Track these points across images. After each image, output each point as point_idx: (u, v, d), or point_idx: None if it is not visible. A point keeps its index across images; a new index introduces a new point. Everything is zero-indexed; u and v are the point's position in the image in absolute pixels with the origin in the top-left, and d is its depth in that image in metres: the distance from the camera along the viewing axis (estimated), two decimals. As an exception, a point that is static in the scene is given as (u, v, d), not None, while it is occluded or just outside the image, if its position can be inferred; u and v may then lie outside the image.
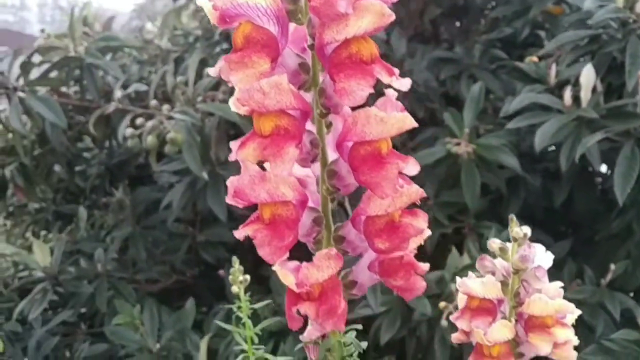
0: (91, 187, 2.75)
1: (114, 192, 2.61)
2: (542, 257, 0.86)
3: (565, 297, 1.96)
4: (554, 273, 2.21)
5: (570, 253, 2.26)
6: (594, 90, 1.79)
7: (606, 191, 2.41)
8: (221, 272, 2.52)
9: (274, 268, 0.69)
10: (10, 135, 2.17)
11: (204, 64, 1.99)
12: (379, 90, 0.68)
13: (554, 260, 2.27)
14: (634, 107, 1.74)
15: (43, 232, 2.82)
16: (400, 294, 0.72)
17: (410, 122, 0.65)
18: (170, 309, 2.41)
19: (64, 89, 2.29)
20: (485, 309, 0.86)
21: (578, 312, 0.88)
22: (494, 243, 0.86)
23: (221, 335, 2.21)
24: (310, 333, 0.85)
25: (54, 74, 2.09)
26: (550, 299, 0.84)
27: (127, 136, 1.98)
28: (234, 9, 0.62)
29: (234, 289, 1.11)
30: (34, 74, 2.08)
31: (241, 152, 0.63)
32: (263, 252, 0.65)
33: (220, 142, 1.90)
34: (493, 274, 0.87)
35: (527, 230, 0.86)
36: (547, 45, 2.09)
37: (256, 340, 1.15)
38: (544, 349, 0.84)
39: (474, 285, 0.87)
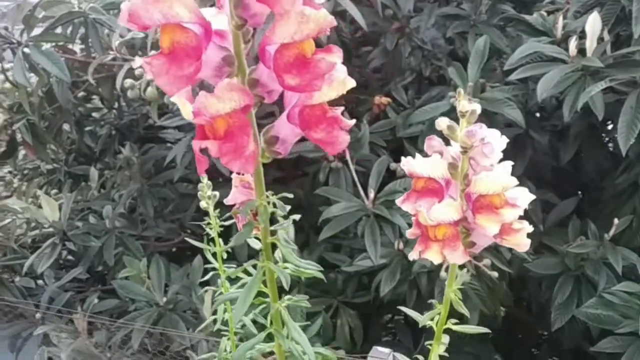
0: (101, 148, 2.77)
1: (122, 151, 2.63)
2: (496, 140, 0.81)
3: (568, 252, 1.95)
4: (558, 230, 2.20)
5: (577, 212, 2.24)
6: (601, 40, 1.75)
7: (615, 150, 2.37)
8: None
9: (172, 99, 0.67)
10: (17, 93, 2.19)
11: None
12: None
13: (560, 218, 2.25)
14: None
15: (54, 191, 2.86)
16: (322, 148, 0.69)
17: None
18: (179, 267, 2.45)
19: (69, 46, 2.30)
20: (431, 189, 0.83)
21: (532, 196, 0.83)
22: (442, 122, 0.82)
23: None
24: (234, 197, 0.85)
25: (58, 30, 2.10)
26: (497, 176, 0.80)
27: (127, 87, 1.98)
28: None
29: (203, 204, 1.11)
30: (38, 31, 2.09)
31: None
32: (161, 82, 0.61)
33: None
34: (441, 154, 0.82)
35: (476, 106, 0.82)
36: (555, -2, 2.04)
37: (225, 257, 1.15)
38: (491, 229, 0.79)
39: (418, 164, 0.83)
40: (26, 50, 2.01)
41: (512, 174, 2.16)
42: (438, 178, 0.83)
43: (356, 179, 1.98)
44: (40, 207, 2.40)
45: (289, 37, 0.62)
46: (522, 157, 2.23)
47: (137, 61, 0.64)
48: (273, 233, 0.78)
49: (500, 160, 0.83)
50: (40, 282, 2.65)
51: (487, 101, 1.95)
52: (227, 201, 0.85)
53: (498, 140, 0.81)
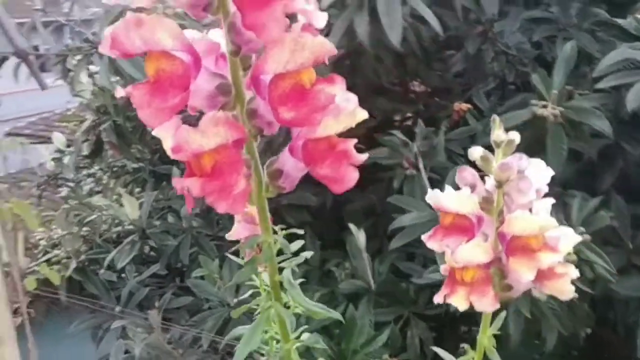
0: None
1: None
2: (538, 173, 0.73)
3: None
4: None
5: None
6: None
7: None
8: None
9: (153, 133, 0.62)
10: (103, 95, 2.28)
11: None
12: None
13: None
14: None
15: (138, 190, 2.97)
16: (327, 186, 0.63)
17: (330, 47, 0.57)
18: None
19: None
20: (460, 226, 0.74)
21: (577, 238, 0.75)
22: (475, 151, 0.75)
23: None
24: (238, 232, 0.80)
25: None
26: (534, 216, 0.71)
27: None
28: None
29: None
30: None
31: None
32: (143, 115, 0.56)
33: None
34: (473, 187, 0.75)
35: (515, 136, 0.74)
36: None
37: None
38: (525, 274, 0.70)
39: (446, 198, 0.75)
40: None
41: (600, 187, 2.01)
42: (468, 214, 0.75)
43: (429, 188, 1.92)
44: (122, 205, 2.50)
45: (281, 67, 0.56)
46: (612, 169, 2.09)
47: (119, 91, 0.60)
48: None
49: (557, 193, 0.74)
50: (123, 274, 2.77)
51: (573, 110, 1.84)
52: (229, 236, 0.81)
53: (541, 174, 0.73)
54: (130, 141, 2.61)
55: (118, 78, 2.23)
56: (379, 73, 2.22)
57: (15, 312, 1.41)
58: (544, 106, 1.87)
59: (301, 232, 0.73)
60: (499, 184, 0.73)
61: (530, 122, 1.91)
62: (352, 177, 0.62)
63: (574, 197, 1.86)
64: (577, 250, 1.69)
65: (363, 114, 0.62)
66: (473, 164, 0.77)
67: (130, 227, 2.40)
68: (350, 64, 2.22)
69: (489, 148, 2.26)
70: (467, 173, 0.76)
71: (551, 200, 0.74)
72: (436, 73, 2.62)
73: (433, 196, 0.76)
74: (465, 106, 2.37)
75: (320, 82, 0.59)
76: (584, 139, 1.90)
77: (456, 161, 2.21)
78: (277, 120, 0.59)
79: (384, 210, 2.44)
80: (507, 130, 2.08)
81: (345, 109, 0.60)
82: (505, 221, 0.72)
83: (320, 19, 0.60)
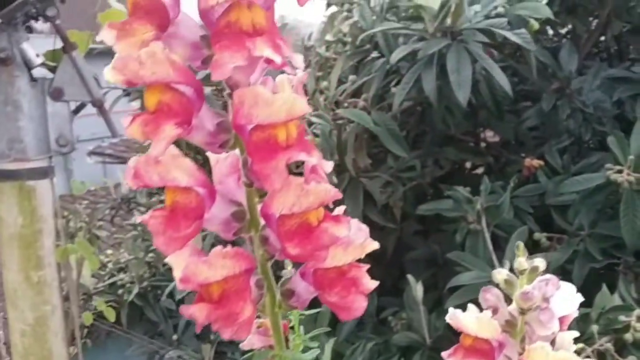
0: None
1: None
2: (565, 299, 0.69)
3: None
4: None
5: None
6: None
7: None
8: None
9: (167, 260, 0.63)
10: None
11: (348, 70, 1.99)
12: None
13: None
14: None
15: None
16: (335, 312, 0.63)
17: (301, 107, 0.57)
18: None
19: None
20: (479, 350, 0.71)
21: None
22: (499, 274, 0.72)
23: (350, 340, 2.21)
24: (250, 342, 0.80)
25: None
26: (552, 350, 0.67)
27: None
28: None
29: None
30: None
31: (129, 128, 0.58)
32: (157, 242, 0.59)
33: (359, 149, 1.89)
34: (495, 310, 0.72)
35: (540, 262, 0.71)
36: None
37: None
38: None
39: (466, 320, 0.72)
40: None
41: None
42: (488, 338, 0.72)
43: (490, 247, 1.87)
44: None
45: (287, 209, 0.59)
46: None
47: (138, 218, 0.63)
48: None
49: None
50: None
51: (650, 179, 1.75)
52: (243, 346, 0.81)
53: (570, 300, 0.69)
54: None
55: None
56: (448, 123, 2.20)
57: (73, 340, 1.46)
58: (619, 171, 1.79)
59: (316, 345, 0.74)
60: (521, 311, 0.70)
61: (603, 186, 1.84)
62: (361, 305, 0.64)
63: (646, 270, 1.77)
64: None
65: (374, 245, 0.64)
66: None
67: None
68: (420, 113, 2.21)
69: (558, 208, 2.18)
70: (490, 295, 0.73)
71: (575, 334, 0.70)
72: (509, 125, 2.57)
73: (452, 316, 0.73)
74: (537, 162, 2.30)
75: (327, 220, 0.60)
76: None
77: (523, 219, 2.14)
78: (284, 255, 0.61)
79: (445, 262, 2.38)
80: (578, 193, 2.00)
81: (354, 241, 0.62)
82: (525, 351, 0.69)
83: (326, 166, 0.62)
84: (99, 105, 1.53)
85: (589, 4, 2.67)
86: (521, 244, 0.72)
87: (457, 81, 1.62)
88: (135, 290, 2.59)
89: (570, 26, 2.67)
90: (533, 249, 2.01)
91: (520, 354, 0.71)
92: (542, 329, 0.69)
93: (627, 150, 1.81)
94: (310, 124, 1.87)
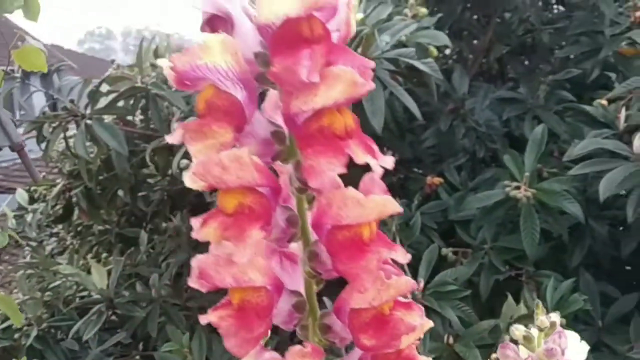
0: (153, 212, 2.81)
1: (172, 218, 2.66)
2: (575, 348, 0.75)
3: (628, 357, 1.84)
4: (619, 327, 2.09)
5: (638, 306, 2.12)
6: (665, 137, 1.69)
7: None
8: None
9: None
10: (77, 161, 2.25)
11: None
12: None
13: (621, 314, 2.14)
14: None
15: (105, 254, 2.90)
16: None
17: (392, 207, 0.56)
18: (220, 339, 2.42)
19: (130, 117, 2.37)
20: None
21: None
22: (517, 330, 0.77)
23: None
24: None
25: (121, 103, 2.17)
26: None
27: (182, 167, 2.02)
28: (193, 71, 0.54)
29: None
30: (103, 102, 2.17)
31: (202, 231, 0.56)
32: (229, 344, 0.57)
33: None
34: None
35: (555, 318, 0.76)
36: (617, 88, 2.00)
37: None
38: None
39: None
40: (89, 122, 2.08)
41: (570, 264, 2.06)
42: None
43: (406, 267, 1.93)
44: (89, 272, 2.44)
45: (366, 304, 0.58)
46: (581, 246, 2.15)
47: (206, 318, 0.60)
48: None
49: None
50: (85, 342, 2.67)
51: (545, 192, 1.90)
52: None
53: (578, 347, 0.75)
54: (99, 205, 2.57)
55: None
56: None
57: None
58: (517, 187, 1.92)
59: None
60: None
61: (503, 202, 1.96)
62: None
63: (547, 277, 1.90)
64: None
65: (411, 285, 0.61)
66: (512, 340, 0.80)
67: (97, 296, 2.33)
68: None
69: (460, 223, 2.28)
70: (510, 351, 0.78)
71: None
72: (408, 144, 2.68)
73: None
74: (437, 180, 2.42)
75: (398, 308, 0.59)
76: (555, 219, 1.96)
77: (429, 235, 2.24)
78: (357, 346, 0.60)
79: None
80: (479, 209, 2.12)
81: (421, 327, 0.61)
82: None
83: (403, 257, 0.60)
84: (18, 149, 1.44)
85: (473, 28, 2.86)
86: (540, 303, 0.76)
87: (372, 109, 1.68)
88: (34, 333, 2.41)
89: (457, 49, 2.85)
90: (440, 263, 2.10)
91: (541, 403, 0.74)
92: None
93: (522, 168, 1.95)
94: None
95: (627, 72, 2.27)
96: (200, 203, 2.79)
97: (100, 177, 2.47)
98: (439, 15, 1.96)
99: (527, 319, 1.79)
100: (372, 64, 0.58)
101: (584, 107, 2.02)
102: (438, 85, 2.27)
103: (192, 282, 0.58)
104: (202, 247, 2.03)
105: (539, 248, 1.92)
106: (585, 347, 0.76)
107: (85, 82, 2.06)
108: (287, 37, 0.53)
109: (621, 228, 2.30)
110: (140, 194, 2.80)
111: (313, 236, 0.61)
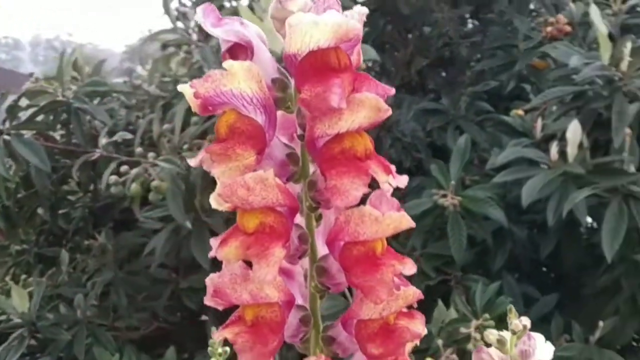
0: (74, 229, 2.71)
1: (97, 236, 2.57)
2: (543, 349, 0.79)
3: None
4: (540, 327, 2.20)
5: (557, 305, 2.24)
6: (580, 145, 1.80)
7: (592, 244, 2.41)
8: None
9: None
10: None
11: (191, 112, 1.98)
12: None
13: (542, 314, 2.25)
14: (620, 164, 1.76)
15: (24, 276, 2.76)
16: None
17: (407, 223, 0.60)
18: (151, 357, 2.36)
19: (50, 132, 2.27)
20: None
21: None
22: (491, 334, 0.80)
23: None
24: None
25: (40, 118, 2.08)
26: None
27: (111, 183, 1.96)
28: (218, 97, 0.57)
29: None
30: (22, 117, 2.07)
31: (222, 250, 0.57)
32: (245, 358, 0.59)
33: (205, 190, 1.87)
34: None
35: (527, 322, 0.80)
36: (533, 100, 2.11)
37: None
38: None
39: None
40: (7, 137, 1.98)
41: (494, 267, 2.15)
42: None
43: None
44: (9, 294, 2.31)
45: (377, 314, 0.61)
46: (503, 251, 2.24)
47: (216, 335, 0.61)
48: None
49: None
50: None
51: (469, 199, 1.97)
52: None
53: (546, 348, 0.80)
54: (17, 224, 2.44)
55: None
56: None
57: None
58: (444, 195, 1.98)
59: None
60: None
61: (431, 210, 2.02)
62: None
63: (475, 281, 1.97)
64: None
65: (418, 295, 0.65)
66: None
67: (18, 320, 2.21)
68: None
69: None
70: (485, 354, 0.81)
71: None
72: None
73: None
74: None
75: (401, 317, 0.62)
76: (480, 225, 2.04)
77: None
78: (364, 354, 0.62)
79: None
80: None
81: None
82: None
83: (412, 269, 0.63)
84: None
85: (395, 42, 2.95)
86: (513, 308, 0.79)
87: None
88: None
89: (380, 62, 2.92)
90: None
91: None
92: None
93: (448, 176, 2.02)
94: (154, 165, 1.81)
95: (539, 84, 2.41)
96: (125, 219, 2.71)
97: (19, 195, 2.36)
98: (365, 29, 1.99)
99: (457, 322, 1.86)
100: (392, 90, 0.61)
101: (503, 117, 2.12)
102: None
103: (207, 301, 0.59)
104: (128, 265, 1.97)
105: (465, 253, 1.99)
106: (551, 348, 0.80)
107: (3, 95, 1.96)
108: (315, 65, 0.57)
109: (535, 231, 2.43)
110: (60, 211, 2.68)
111: (320, 251, 0.64)
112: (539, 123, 2.00)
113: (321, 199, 0.61)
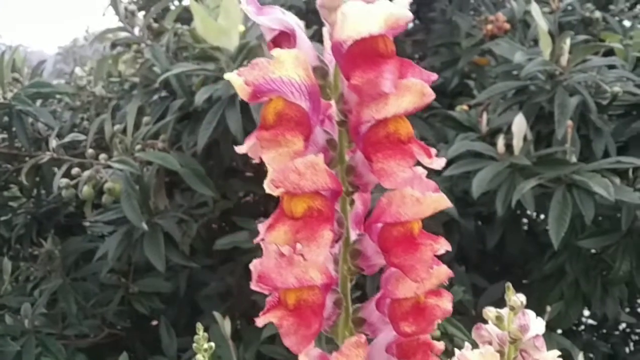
0: (16, 237, 2.61)
1: (41, 242, 2.49)
2: (535, 323, 0.82)
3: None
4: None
5: (505, 294, 2.32)
6: (524, 138, 1.88)
7: (535, 233, 2.51)
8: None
9: (300, 358, 0.65)
10: None
11: (141, 112, 1.95)
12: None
13: (491, 303, 2.33)
14: (563, 155, 1.84)
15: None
16: None
17: (446, 203, 0.62)
18: (104, 364, 2.31)
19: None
20: None
21: None
22: (490, 312, 0.82)
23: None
24: None
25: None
26: None
27: (62, 186, 1.90)
28: (267, 84, 0.58)
29: (199, 358, 1.02)
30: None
31: (270, 234, 0.59)
32: (289, 342, 0.61)
33: (159, 191, 1.85)
34: (490, 343, 0.81)
35: (523, 298, 0.82)
36: (478, 95, 2.18)
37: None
38: None
39: (472, 357, 0.80)
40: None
41: (444, 259, 2.22)
42: None
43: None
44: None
45: (411, 293, 0.63)
46: (452, 242, 2.30)
47: (266, 318, 0.62)
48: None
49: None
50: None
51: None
52: None
53: (537, 323, 0.82)
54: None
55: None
56: (235, 157, 2.26)
57: None
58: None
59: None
60: (513, 341, 0.80)
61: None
62: None
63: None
64: (439, 325, 1.83)
65: (449, 273, 0.67)
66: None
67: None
68: (207, 150, 2.24)
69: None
70: (484, 331, 0.82)
71: (557, 352, 0.82)
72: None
73: (461, 356, 0.80)
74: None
75: (430, 295, 0.65)
76: (431, 218, 2.08)
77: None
78: (398, 333, 0.65)
79: (240, 293, 2.43)
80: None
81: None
82: None
83: (447, 247, 0.66)
84: None
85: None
86: (510, 285, 0.81)
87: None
88: None
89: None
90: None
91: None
92: (538, 353, 0.80)
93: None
94: (106, 167, 1.77)
95: (482, 80, 2.49)
96: (70, 225, 2.64)
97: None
98: (314, 27, 2.02)
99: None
100: (435, 76, 0.62)
101: (451, 112, 2.18)
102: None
103: (254, 286, 0.62)
104: (76, 271, 1.93)
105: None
106: (542, 323, 0.83)
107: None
108: (365, 52, 0.58)
109: (481, 223, 2.52)
110: (1, 218, 2.58)
111: (351, 235, 0.66)
112: (484, 118, 2.07)
113: (360, 183, 0.63)
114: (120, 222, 2.04)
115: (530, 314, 0.82)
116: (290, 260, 0.60)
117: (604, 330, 2.65)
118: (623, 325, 2.68)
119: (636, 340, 2.70)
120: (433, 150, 0.63)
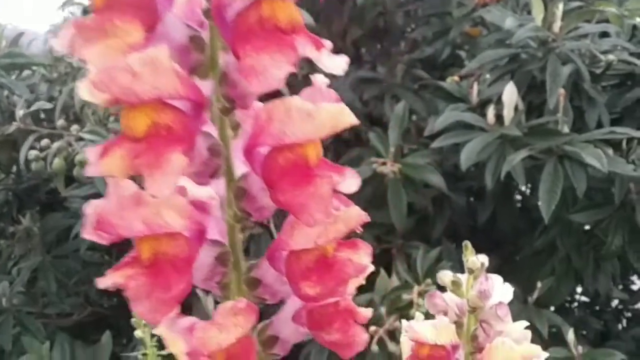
0: (-4, 215, 2.55)
1: (21, 220, 2.43)
2: (501, 290, 0.71)
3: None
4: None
5: (495, 269, 2.27)
6: (515, 108, 1.81)
7: (527, 209, 2.45)
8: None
9: (158, 331, 0.49)
10: None
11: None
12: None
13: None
14: (555, 125, 1.78)
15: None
16: (336, 351, 0.53)
17: (348, 117, 0.48)
18: (86, 344, 2.26)
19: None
20: (437, 357, 0.69)
21: (545, 354, 0.72)
22: (445, 276, 0.71)
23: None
24: None
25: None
26: (515, 344, 0.68)
27: (31, 159, 1.83)
28: None
29: (138, 333, 0.96)
30: None
31: (102, 162, 0.43)
32: (141, 308, 0.45)
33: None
34: (445, 313, 0.70)
35: (484, 259, 0.71)
36: (468, 65, 2.11)
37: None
38: None
39: (423, 329, 0.70)
40: None
41: (433, 234, 2.14)
42: (446, 344, 0.70)
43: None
44: None
45: (311, 243, 0.48)
46: (442, 218, 2.25)
47: (104, 281, 0.47)
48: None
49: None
50: None
51: (410, 167, 1.96)
52: None
53: (503, 290, 0.72)
54: None
55: None
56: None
57: None
58: (384, 163, 1.96)
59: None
60: (473, 310, 0.70)
61: (371, 178, 2.00)
62: (362, 338, 0.54)
63: (416, 248, 1.96)
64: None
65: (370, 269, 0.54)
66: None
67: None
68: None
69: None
70: (438, 299, 0.71)
71: (525, 323, 0.74)
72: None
73: (411, 328, 0.70)
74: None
75: (342, 248, 0.51)
76: (419, 192, 2.03)
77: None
78: (298, 297, 0.50)
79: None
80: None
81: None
82: (485, 349, 0.70)
83: (354, 184, 0.53)
84: None
85: (331, 11, 2.89)
86: (469, 244, 0.73)
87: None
88: None
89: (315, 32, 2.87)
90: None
91: (473, 352, 0.71)
92: (501, 323, 0.70)
93: (387, 144, 2.00)
94: (78, 139, 1.70)
95: (473, 51, 2.41)
96: (52, 201, 2.57)
97: None
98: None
99: (400, 290, 1.85)
100: None
101: (440, 83, 2.11)
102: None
103: (87, 234, 0.45)
104: (57, 249, 1.86)
105: (405, 221, 1.98)
106: (510, 289, 0.75)
107: None
108: None
109: (472, 198, 2.46)
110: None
111: (239, 170, 0.51)
112: (475, 88, 2.00)
113: (236, 95, 0.47)
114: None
115: (496, 278, 0.73)
116: (137, 199, 0.44)
117: (597, 307, 2.61)
118: (616, 302, 2.64)
119: (629, 317, 2.66)
120: (327, 44, 0.49)
